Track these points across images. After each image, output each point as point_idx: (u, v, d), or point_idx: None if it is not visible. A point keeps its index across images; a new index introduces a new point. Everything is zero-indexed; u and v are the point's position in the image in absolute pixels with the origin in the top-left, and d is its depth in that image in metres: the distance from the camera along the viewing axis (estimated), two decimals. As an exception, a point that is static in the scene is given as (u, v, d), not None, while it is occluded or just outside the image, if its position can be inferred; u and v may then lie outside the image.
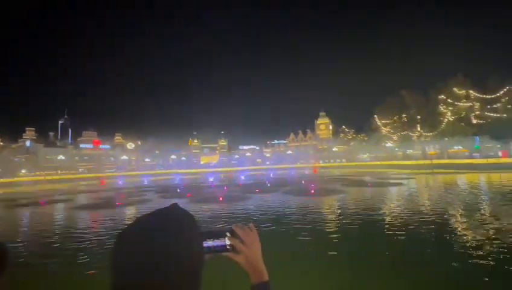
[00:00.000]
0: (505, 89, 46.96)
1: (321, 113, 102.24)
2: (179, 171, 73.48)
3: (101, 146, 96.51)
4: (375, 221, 9.82)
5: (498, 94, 47.67)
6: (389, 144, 69.03)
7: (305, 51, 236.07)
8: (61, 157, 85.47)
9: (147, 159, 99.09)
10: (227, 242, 0.71)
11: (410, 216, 10.18)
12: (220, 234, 0.71)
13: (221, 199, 16.68)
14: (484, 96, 49.38)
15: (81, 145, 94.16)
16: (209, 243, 0.68)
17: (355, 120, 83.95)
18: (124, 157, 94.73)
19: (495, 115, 48.19)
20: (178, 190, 23.86)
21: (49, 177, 62.53)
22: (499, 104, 47.79)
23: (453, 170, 36.16)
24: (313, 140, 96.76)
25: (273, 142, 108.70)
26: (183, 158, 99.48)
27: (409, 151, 66.22)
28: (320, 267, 5.68)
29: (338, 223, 9.70)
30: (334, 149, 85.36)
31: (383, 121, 66.10)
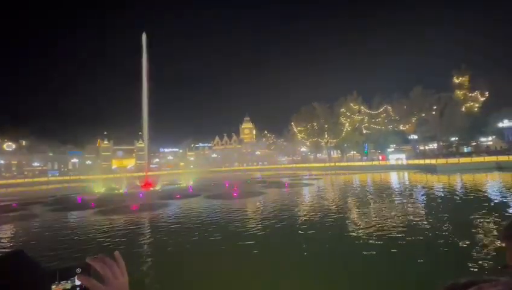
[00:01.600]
0: (383, 107, 60.52)
1: (246, 118, 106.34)
2: (82, 177, 61.75)
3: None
4: (290, 217, 10.77)
5: (379, 111, 60.95)
6: (303, 149, 78.39)
7: (230, 59, 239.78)
8: None
9: (35, 164, 79.22)
10: (77, 283, 0.56)
11: (315, 210, 11.81)
12: (68, 273, 0.56)
13: (134, 207, 14.91)
14: (370, 111, 62.24)
15: None
16: (52, 287, 0.54)
17: (276, 126, 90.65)
18: (-1, 161, 72.91)
19: (377, 127, 61.48)
20: (79, 201, 19.92)
21: None
22: (379, 119, 61.17)
23: (349, 171, 44.19)
24: (238, 144, 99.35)
25: (197, 145, 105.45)
26: (88, 162, 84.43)
27: (319, 155, 77.67)
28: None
29: (259, 223, 10.13)
30: (257, 153, 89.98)
31: (298, 128, 74.16)
